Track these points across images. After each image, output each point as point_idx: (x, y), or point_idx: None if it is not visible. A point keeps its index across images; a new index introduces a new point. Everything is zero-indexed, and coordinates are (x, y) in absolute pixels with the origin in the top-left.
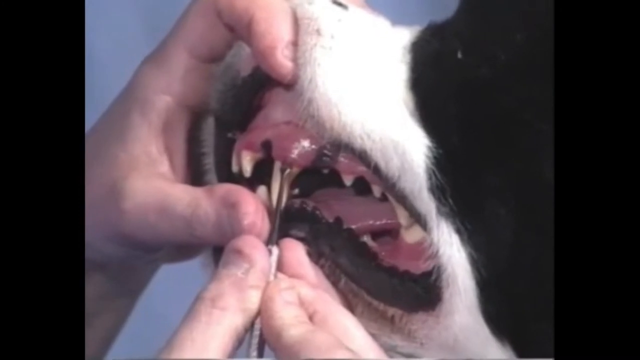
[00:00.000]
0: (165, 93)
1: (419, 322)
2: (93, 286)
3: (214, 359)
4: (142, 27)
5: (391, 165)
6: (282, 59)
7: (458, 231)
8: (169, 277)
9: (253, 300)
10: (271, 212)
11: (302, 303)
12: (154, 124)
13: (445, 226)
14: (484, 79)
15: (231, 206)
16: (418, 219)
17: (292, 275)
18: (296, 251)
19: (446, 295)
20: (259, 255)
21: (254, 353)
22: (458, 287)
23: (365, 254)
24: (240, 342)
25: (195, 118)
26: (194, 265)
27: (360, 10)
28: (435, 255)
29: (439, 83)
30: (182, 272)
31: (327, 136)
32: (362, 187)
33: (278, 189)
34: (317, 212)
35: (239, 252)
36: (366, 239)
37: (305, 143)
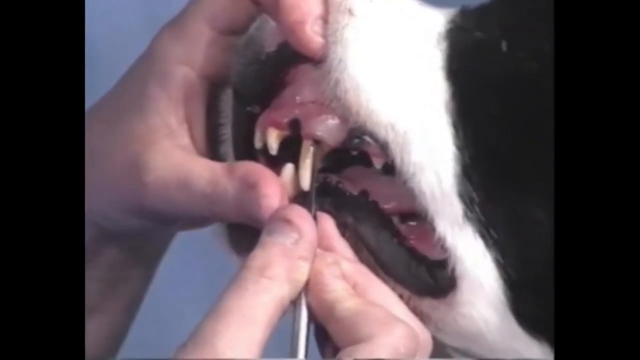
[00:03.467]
0: (184, 64)
1: (428, 307)
2: (108, 255)
3: (260, 327)
4: (140, 13)
5: (408, 161)
6: (312, 34)
7: (483, 237)
8: (175, 279)
9: (302, 271)
10: (300, 191)
11: (343, 276)
12: (173, 95)
13: (471, 231)
14: (531, 73)
15: (251, 186)
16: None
17: (324, 248)
18: (327, 224)
19: (463, 286)
20: (308, 227)
21: (302, 324)
22: (480, 284)
23: (388, 228)
24: (284, 313)
25: (213, 89)
26: (200, 268)
27: None
28: (454, 253)
29: (480, 75)
30: (190, 275)
31: (352, 120)
32: (391, 169)
33: (310, 167)
34: (341, 185)
35: (287, 222)
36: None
37: (335, 123)
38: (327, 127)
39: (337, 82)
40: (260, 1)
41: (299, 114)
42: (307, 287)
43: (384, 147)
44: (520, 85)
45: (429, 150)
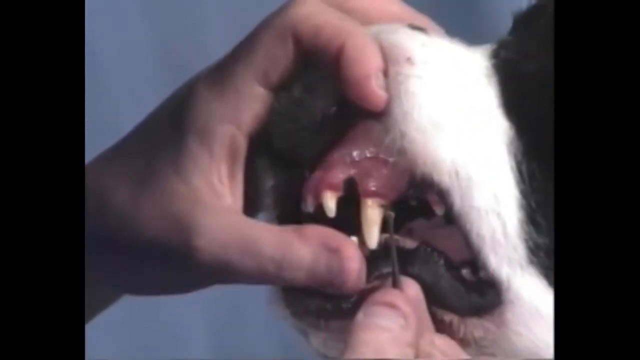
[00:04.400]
0: (230, 122)
1: (479, 329)
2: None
3: None
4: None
5: (470, 205)
6: (377, 88)
7: (547, 276)
8: None
9: (411, 357)
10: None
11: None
12: (215, 154)
13: (534, 273)
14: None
15: (333, 250)
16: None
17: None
18: (414, 291)
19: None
20: (411, 312)
21: None
22: (539, 314)
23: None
24: None
25: (252, 148)
26: None
27: (436, 34)
28: (515, 295)
29: (538, 109)
30: None
31: (418, 172)
32: (451, 216)
33: (388, 229)
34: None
35: (392, 306)
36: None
37: (392, 176)
38: (385, 182)
39: (403, 135)
40: (316, 55)
41: (354, 173)
42: None
43: (445, 194)
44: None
45: (492, 195)
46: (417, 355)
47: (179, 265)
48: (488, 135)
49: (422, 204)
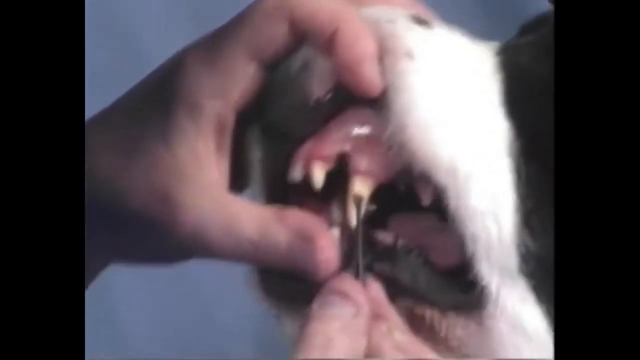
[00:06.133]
0: (218, 97)
1: (458, 326)
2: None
3: None
4: None
5: (466, 205)
6: (371, 73)
7: (535, 290)
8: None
9: (362, 346)
10: (351, 238)
11: (397, 347)
12: (203, 128)
13: (523, 285)
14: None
15: (306, 239)
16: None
17: (374, 314)
18: (376, 290)
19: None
20: (364, 300)
21: None
22: (523, 329)
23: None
24: None
25: (241, 123)
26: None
27: (441, 26)
28: (501, 305)
29: (540, 111)
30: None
31: (416, 167)
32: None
33: (355, 220)
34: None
35: (344, 295)
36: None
37: (386, 159)
38: (378, 163)
39: (402, 129)
40: (311, 37)
41: (349, 148)
42: None
43: (442, 191)
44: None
45: (489, 196)
46: (368, 346)
47: (161, 237)
48: (488, 133)
49: (410, 191)
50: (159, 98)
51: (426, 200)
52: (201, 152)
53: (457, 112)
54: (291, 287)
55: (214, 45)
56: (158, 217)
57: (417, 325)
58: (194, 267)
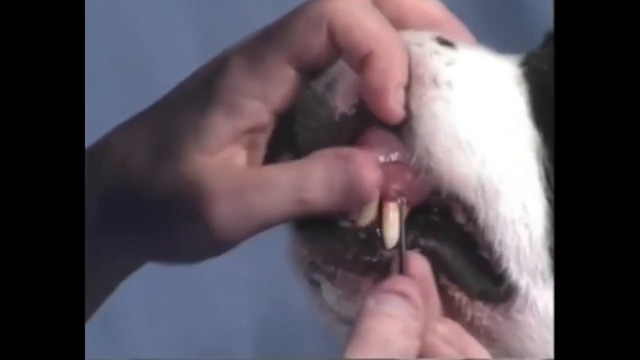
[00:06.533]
0: (258, 99)
1: (484, 316)
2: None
3: None
4: None
5: (495, 215)
6: (394, 104)
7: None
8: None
9: (417, 348)
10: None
11: (446, 341)
12: (239, 127)
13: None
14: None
15: (345, 158)
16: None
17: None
18: (424, 268)
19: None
20: (422, 301)
21: None
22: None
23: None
24: None
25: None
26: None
27: (466, 46)
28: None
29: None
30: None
31: (444, 188)
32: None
33: (397, 226)
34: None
35: (403, 295)
36: None
37: (416, 182)
38: (409, 187)
39: (428, 154)
40: (344, 52)
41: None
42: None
43: (470, 209)
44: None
45: (520, 204)
46: (422, 346)
47: (194, 227)
48: (517, 143)
49: (444, 210)
50: (198, 98)
51: (460, 218)
52: (231, 148)
53: (484, 129)
54: (335, 249)
55: (255, 47)
56: (189, 205)
57: (447, 308)
58: (194, 267)
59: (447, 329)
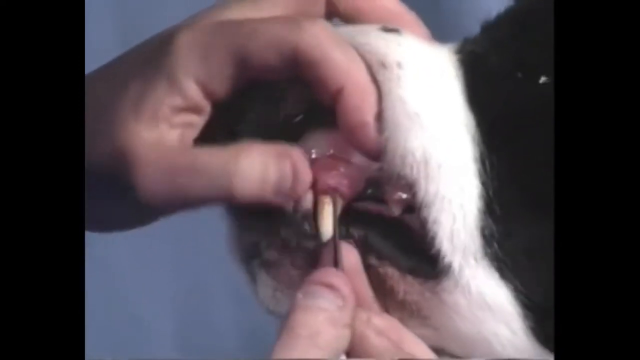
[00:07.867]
0: (199, 84)
1: (414, 292)
2: None
3: None
4: None
5: (434, 193)
6: (374, 135)
7: (500, 270)
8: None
9: (347, 337)
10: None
11: (379, 332)
12: (176, 104)
13: (486, 266)
14: (549, 102)
15: (282, 155)
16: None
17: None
18: (354, 259)
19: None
20: (350, 293)
21: None
22: (489, 307)
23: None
24: None
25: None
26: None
27: (409, 32)
28: (466, 283)
29: (500, 103)
30: (156, 273)
31: (386, 166)
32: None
33: (331, 220)
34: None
35: (331, 287)
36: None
37: (351, 173)
38: (343, 179)
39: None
40: (315, 86)
41: (314, 170)
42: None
43: (410, 185)
44: (538, 111)
45: (457, 185)
46: (352, 336)
47: (124, 197)
48: (455, 126)
49: (380, 203)
50: (146, 67)
51: (397, 211)
52: (165, 126)
53: (431, 106)
54: (281, 232)
55: (207, 34)
56: (119, 177)
57: (379, 286)
58: (191, 265)
59: (382, 322)
